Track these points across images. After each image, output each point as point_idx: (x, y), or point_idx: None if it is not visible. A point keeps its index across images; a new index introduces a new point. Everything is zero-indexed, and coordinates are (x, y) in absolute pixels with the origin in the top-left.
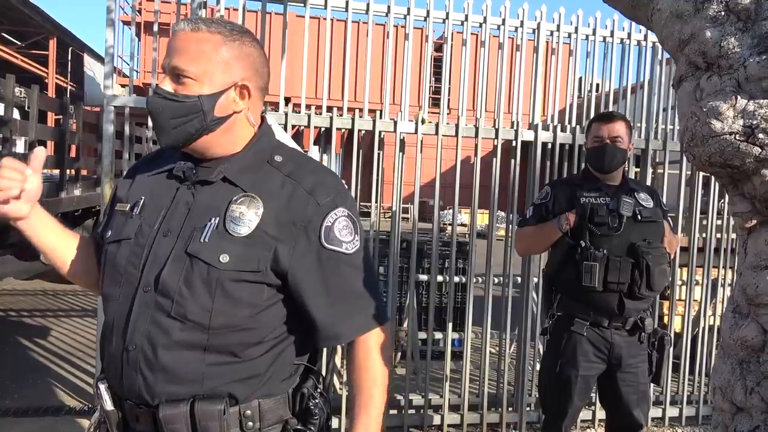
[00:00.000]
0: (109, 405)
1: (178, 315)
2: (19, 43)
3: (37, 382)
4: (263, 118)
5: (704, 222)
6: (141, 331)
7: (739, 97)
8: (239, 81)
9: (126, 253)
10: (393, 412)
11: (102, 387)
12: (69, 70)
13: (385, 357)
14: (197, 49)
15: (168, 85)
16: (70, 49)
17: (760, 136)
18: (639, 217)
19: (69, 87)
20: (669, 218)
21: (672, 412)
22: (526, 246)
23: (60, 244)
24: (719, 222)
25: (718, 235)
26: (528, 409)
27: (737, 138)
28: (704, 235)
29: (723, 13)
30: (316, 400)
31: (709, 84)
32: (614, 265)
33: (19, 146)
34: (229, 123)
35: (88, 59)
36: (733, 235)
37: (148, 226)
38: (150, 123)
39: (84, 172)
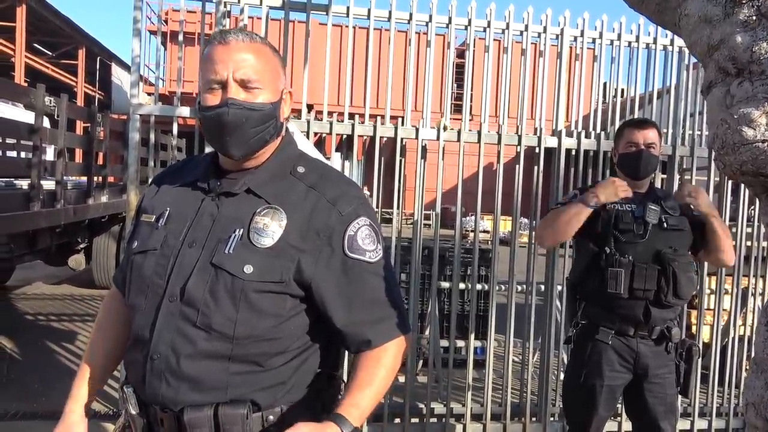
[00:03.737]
0: (134, 409)
1: (203, 325)
2: (49, 53)
3: (63, 385)
4: (285, 127)
5: (733, 229)
6: (166, 340)
7: None
8: (286, 88)
9: (152, 264)
10: (414, 420)
11: (128, 391)
12: (97, 78)
13: (397, 366)
14: (258, 58)
15: (242, 96)
16: (98, 58)
17: None
18: (665, 225)
19: (97, 95)
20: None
21: (701, 424)
22: (552, 229)
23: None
24: (749, 230)
25: (748, 243)
26: (552, 419)
27: None
28: (734, 243)
29: (754, 17)
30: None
31: (740, 90)
32: (640, 272)
33: (49, 154)
34: (283, 129)
35: (115, 68)
36: (764, 244)
37: (174, 237)
38: (207, 135)
39: (111, 179)
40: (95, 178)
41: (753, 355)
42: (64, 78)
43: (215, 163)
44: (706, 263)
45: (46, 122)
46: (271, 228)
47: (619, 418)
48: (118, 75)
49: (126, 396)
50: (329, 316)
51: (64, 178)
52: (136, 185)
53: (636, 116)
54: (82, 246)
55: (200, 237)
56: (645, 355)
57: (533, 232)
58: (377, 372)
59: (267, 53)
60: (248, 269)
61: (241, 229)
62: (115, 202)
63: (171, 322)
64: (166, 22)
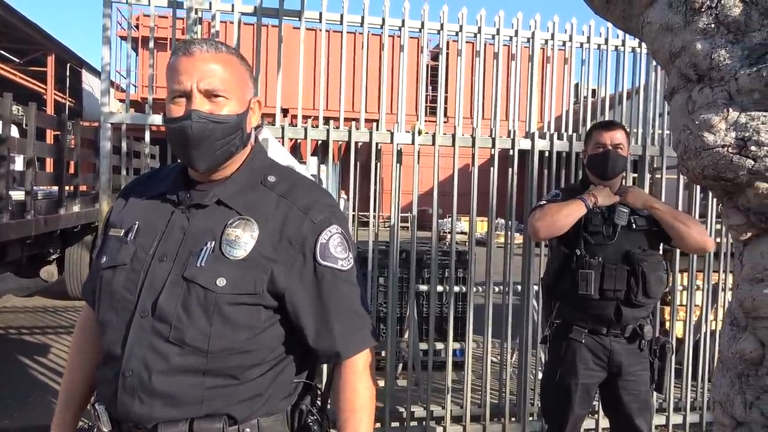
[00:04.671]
0: (106, 427)
1: (176, 340)
2: (17, 60)
3: (37, 400)
4: (255, 137)
5: (703, 226)
6: (138, 356)
7: (731, 110)
8: (253, 98)
9: (122, 279)
10: (395, 424)
11: (100, 409)
12: (67, 85)
13: (373, 376)
14: (224, 68)
15: (206, 107)
16: (68, 65)
17: (753, 148)
18: (633, 226)
19: (67, 103)
20: None
21: (676, 419)
22: (550, 222)
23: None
24: (718, 226)
25: (718, 239)
26: (531, 419)
27: (730, 151)
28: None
29: (713, 25)
30: (315, 416)
31: (701, 96)
32: (610, 273)
33: (18, 164)
34: (250, 139)
35: (86, 74)
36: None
37: (143, 251)
38: (173, 147)
39: (83, 188)
40: (66, 188)
41: (719, 354)
42: (33, 85)
43: (184, 173)
44: (677, 261)
45: (14, 131)
46: (243, 239)
47: (596, 416)
48: (89, 81)
49: (98, 413)
50: (302, 327)
51: (34, 188)
52: (109, 194)
53: (607, 117)
54: (54, 257)
55: (171, 250)
56: (618, 353)
57: (509, 233)
58: (361, 416)
59: (233, 63)
60: (221, 282)
61: (213, 242)
62: (87, 212)
63: (143, 338)
64: (137, 27)
